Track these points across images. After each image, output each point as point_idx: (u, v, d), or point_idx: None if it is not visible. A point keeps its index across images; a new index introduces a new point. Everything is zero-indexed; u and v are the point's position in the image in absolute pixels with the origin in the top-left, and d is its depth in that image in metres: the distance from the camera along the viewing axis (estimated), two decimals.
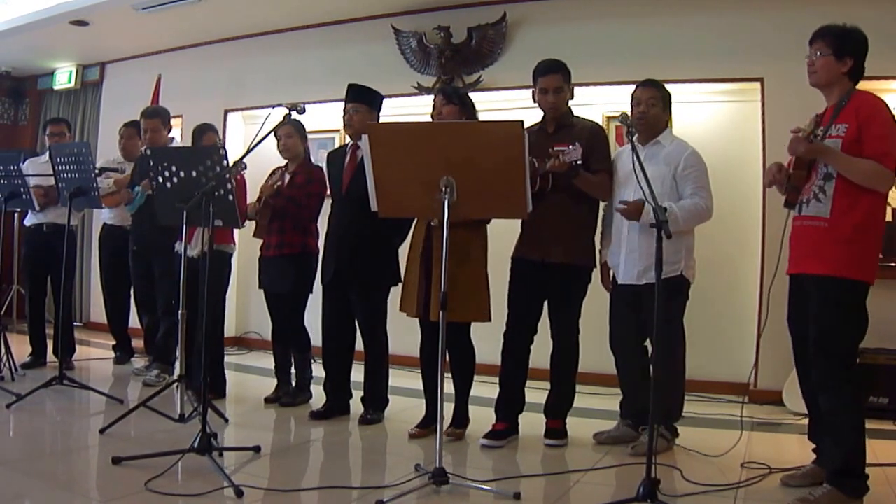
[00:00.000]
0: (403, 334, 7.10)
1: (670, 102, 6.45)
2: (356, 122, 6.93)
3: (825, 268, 4.99)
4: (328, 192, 7.49)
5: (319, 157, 8.09)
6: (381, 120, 7.19)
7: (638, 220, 5.90)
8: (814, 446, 5.42)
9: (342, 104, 7.14)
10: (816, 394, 5.16)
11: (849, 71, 5.14)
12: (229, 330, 11.14)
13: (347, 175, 7.04)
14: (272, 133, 6.98)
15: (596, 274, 6.60)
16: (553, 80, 6.41)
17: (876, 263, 5.08)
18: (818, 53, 5.17)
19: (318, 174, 7.64)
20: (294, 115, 6.10)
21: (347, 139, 7.44)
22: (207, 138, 7.89)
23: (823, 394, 5.06)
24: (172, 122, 8.87)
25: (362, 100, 7.07)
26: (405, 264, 6.71)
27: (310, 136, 8.03)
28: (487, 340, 6.69)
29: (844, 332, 4.99)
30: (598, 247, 6.59)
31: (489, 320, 6.42)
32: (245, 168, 7.04)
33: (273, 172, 7.64)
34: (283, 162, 7.81)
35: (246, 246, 9.28)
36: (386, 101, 7.33)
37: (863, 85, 5.23)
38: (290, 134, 7.63)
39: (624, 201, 5.98)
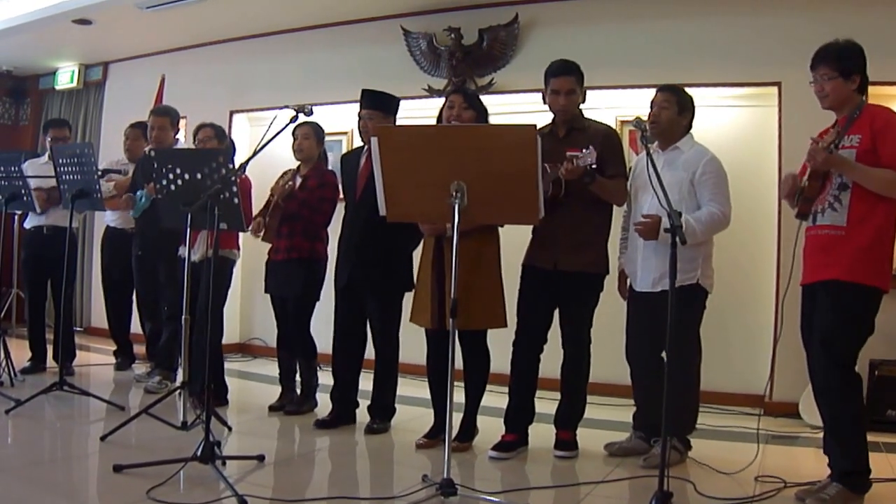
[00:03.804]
0: (411, 342, 7.10)
1: (691, 107, 6.42)
2: (371, 129, 6.81)
3: (839, 272, 5.08)
4: (341, 196, 7.49)
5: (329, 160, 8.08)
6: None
7: (656, 238, 5.89)
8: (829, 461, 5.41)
9: (350, 106, 7.16)
10: (819, 397, 5.28)
11: (857, 87, 5.27)
12: (233, 336, 11.21)
13: (361, 181, 7.02)
14: (291, 132, 7.05)
15: (609, 282, 6.57)
16: (566, 81, 6.39)
17: (890, 270, 5.18)
18: (825, 78, 5.29)
19: (331, 178, 7.64)
20: (301, 117, 6.11)
21: (358, 142, 7.41)
22: (203, 132, 7.91)
23: (828, 396, 5.20)
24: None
25: (377, 106, 7.05)
26: (417, 273, 6.73)
27: None
28: (497, 349, 6.66)
29: (851, 336, 5.14)
30: (612, 254, 6.56)
31: (505, 326, 6.43)
32: (243, 171, 7.07)
33: (284, 174, 7.61)
34: (294, 164, 7.79)
35: (250, 251, 9.28)
36: None
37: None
38: (308, 135, 7.63)
39: (638, 222, 5.98)
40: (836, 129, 5.19)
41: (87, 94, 13.79)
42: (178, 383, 7.36)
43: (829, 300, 5.14)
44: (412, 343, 7.08)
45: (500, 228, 6.50)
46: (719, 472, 5.96)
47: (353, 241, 7.03)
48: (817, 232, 5.27)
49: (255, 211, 7.59)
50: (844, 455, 5.09)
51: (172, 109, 8.93)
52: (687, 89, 6.51)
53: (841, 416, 5.13)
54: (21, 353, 9.11)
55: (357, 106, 7.18)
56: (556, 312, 6.52)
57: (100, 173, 8.09)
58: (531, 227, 6.44)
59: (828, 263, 5.15)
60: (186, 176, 6.11)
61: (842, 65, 5.22)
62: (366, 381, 7.28)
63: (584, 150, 5.90)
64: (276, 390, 8.04)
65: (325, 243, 7.71)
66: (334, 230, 7.36)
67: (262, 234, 7.48)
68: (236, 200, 5.89)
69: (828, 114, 5.49)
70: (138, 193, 8.34)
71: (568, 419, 6.56)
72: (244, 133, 11.74)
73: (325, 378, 7.48)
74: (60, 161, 7.87)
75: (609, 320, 6.62)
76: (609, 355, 6.65)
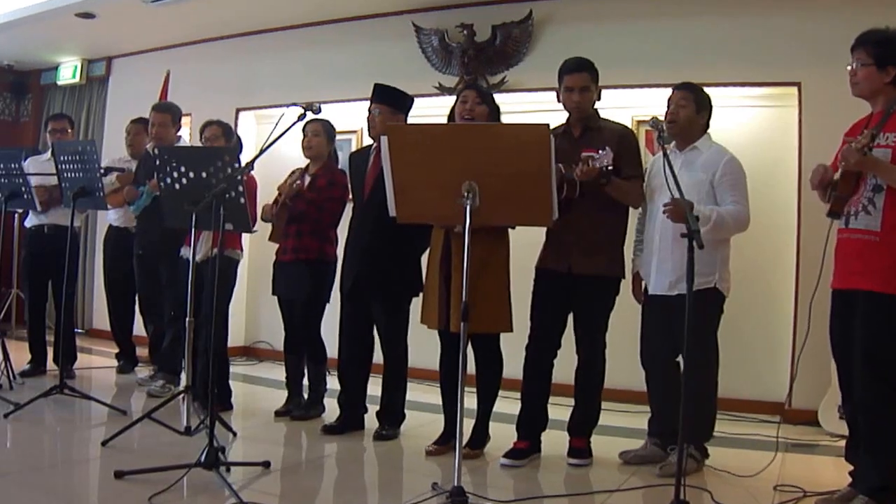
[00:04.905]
0: (421, 346, 7.09)
1: (709, 106, 6.40)
2: (378, 124, 6.87)
3: (876, 283, 4.99)
4: (350, 197, 7.47)
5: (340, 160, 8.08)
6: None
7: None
8: (851, 468, 5.37)
9: (360, 104, 7.14)
10: (857, 410, 5.17)
11: (892, 80, 5.11)
12: (238, 339, 11.22)
13: (370, 180, 6.97)
14: (301, 129, 7.05)
15: (624, 285, 6.55)
16: (579, 78, 6.38)
17: None
18: (859, 63, 5.15)
19: (341, 178, 7.61)
20: (309, 114, 6.10)
21: (367, 141, 7.40)
22: (209, 130, 7.92)
23: (869, 410, 5.09)
24: (182, 120, 8.90)
25: (385, 100, 7.01)
26: (425, 273, 6.71)
27: None
28: (509, 354, 6.64)
29: (893, 350, 5.00)
30: (627, 256, 6.56)
31: (511, 330, 6.41)
32: (251, 169, 7.05)
33: (293, 172, 7.59)
34: (303, 163, 7.79)
35: (257, 252, 9.30)
36: None
37: None
38: (318, 132, 7.62)
39: (668, 203, 5.83)
40: (870, 131, 5.01)
41: (89, 90, 13.79)
42: (181, 387, 7.36)
43: (868, 313, 5.05)
44: (422, 347, 7.09)
45: (512, 230, 6.49)
46: (737, 475, 5.98)
47: (361, 243, 7.01)
48: (850, 236, 5.17)
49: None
50: (878, 470, 5.00)
51: (174, 106, 8.92)
52: (705, 89, 6.49)
53: (881, 431, 5.03)
54: (20, 355, 9.10)
55: (367, 104, 7.13)
56: (571, 316, 6.50)
57: (102, 171, 8.06)
58: (545, 228, 6.44)
59: (863, 272, 5.06)
60: (191, 174, 6.11)
61: (878, 53, 5.08)
62: (374, 387, 7.25)
63: (600, 152, 5.89)
64: (283, 395, 8.03)
65: (335, 245, 7.68)
66: (344, 232, 7.32)
67: (274, 218, 7.45)
68: (242, 200, 5.88)
69: (849, 114, 5.47)
70: (140, 189, 8.34)
71: (582, 426, 6.54)
72: (251, 131, 11.74)
73: (333, 383, 7.48)
74: (62, 158, 7.86)
75: (625, 324, 6.62)
76: (625, 360, 6.65)
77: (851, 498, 5.17)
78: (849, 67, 5.25)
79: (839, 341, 5.33)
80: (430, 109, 9.27)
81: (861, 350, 5.06)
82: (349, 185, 7.48)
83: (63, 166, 7.85)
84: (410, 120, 7.23)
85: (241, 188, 5.85)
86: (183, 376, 7.71)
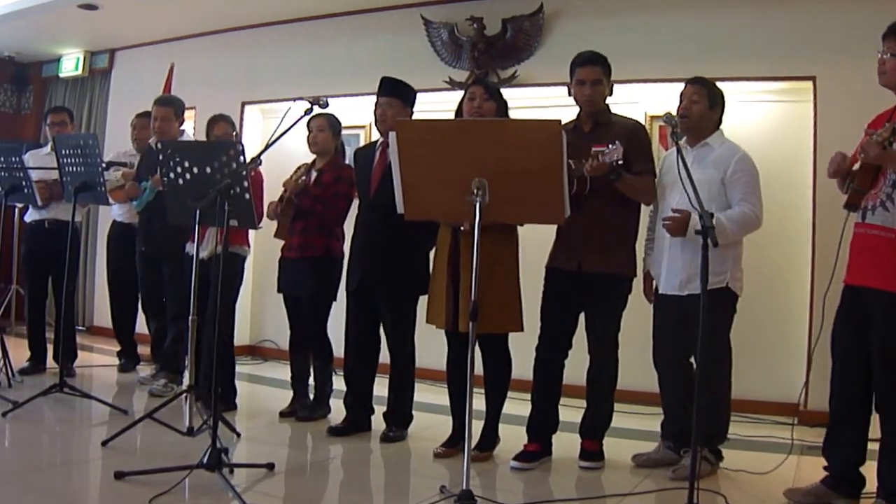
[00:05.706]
0: (429, 346, 7.06)
1: (722, 102, 6.34)
2: (389, 118, 6.83)
3: (887, 282, 4.96)
4: (356, 193, 7.43)
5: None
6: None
7: (684, 235, 5.79)
8: (862, 467, 5.37)
9: (368, 98, 7.11)
10: (877, 412, 5.15)
11: None
12: (243, 338, 11.19)
13: (376, 176, 6.95)
14: (306, 124, 7.02)
15: (637, 284, 6.51)
16: (591, 71, 6.34)
17: None
18: (889, 53, 5.06)
19: (348, 173, 7.56)
20: (316, 109, 6.08)
21: (375, 136, 7.37)
22: (219, 128, 7.89)
23: (887, 412, 5.06)
24: (185, 114, 8.89)
25: (396, 94, 7.01)
26: (432, 272, 6.66)
27: None
28: (519, 354, 6.61)
29: None
30: (639, 254, 6.52)
31: (522, 330, 6.36)
32: (260, 164, 7.00)
33: (298, 168, 7.54)
34: (310, 158, 7.75)
35: (262, 248, 9.27)
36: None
37: None
38: (323, 128, 7.58)
39: (667, 217, 5.88)
40: (892, 124, 4.92)
41: (92, 83, 13.75)
42: (184, 386, 7.33)
43: (884, 313, 5.01)
44: (430, 347, 7.05)
45: (521, 227, 6.45)
46: (752, 477, 5.96)
47: (367, 241, 6.98)
48: (866, 231, 5.14)
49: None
50: None
51: (176, 99, 8.87)
52: (719, 83, 6.44)
53: None
54: (20, 352, 9.10)
55: (374, 98, 7.11)
56: (582, 316, 6.46)
57: (104, 165, 8.02)
58: (555, 226, 6.39)
59: (876, 269, 5.03)
60: (195, 169, 6.09)
61: None
62: (381, 387, 7.23)
63: (609, 147, 5.86)
64: (288, 395, 7.99)
65: (340, 242, 7.66)
66: (351, 228, 7.29)
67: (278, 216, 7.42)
68: (247, 196, 5.85)
69: (865, 108, 5.44)
70: (142, 185, 8.32)
71: (594, 428, 6.50)
72: (256, 125, 11.75)
73: (339, 383, 7.44)
74: (63, 152, 7.84)
75: (638, 324, 6.58)
76: (637, 361, 6.63)
77: (820, 494, 5.30)
78: (878, 55, 5.17)
79: (843, 333, 5.32)
80: (441, 104, 9.23)
81: (879, 350, 5.03)
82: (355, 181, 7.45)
83: (64, 160, 7.82)
84: (420, 116, 7.19)
85: (246, 183, 5.81)
86: (186, 375, 7.69)
